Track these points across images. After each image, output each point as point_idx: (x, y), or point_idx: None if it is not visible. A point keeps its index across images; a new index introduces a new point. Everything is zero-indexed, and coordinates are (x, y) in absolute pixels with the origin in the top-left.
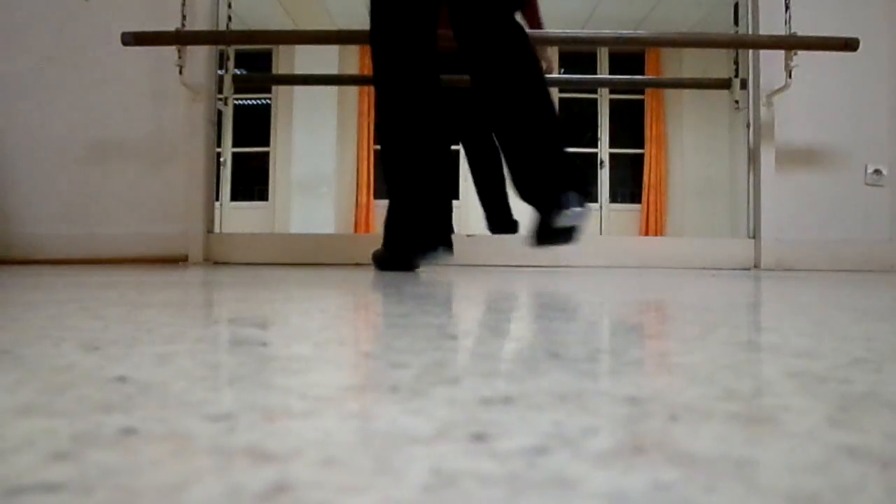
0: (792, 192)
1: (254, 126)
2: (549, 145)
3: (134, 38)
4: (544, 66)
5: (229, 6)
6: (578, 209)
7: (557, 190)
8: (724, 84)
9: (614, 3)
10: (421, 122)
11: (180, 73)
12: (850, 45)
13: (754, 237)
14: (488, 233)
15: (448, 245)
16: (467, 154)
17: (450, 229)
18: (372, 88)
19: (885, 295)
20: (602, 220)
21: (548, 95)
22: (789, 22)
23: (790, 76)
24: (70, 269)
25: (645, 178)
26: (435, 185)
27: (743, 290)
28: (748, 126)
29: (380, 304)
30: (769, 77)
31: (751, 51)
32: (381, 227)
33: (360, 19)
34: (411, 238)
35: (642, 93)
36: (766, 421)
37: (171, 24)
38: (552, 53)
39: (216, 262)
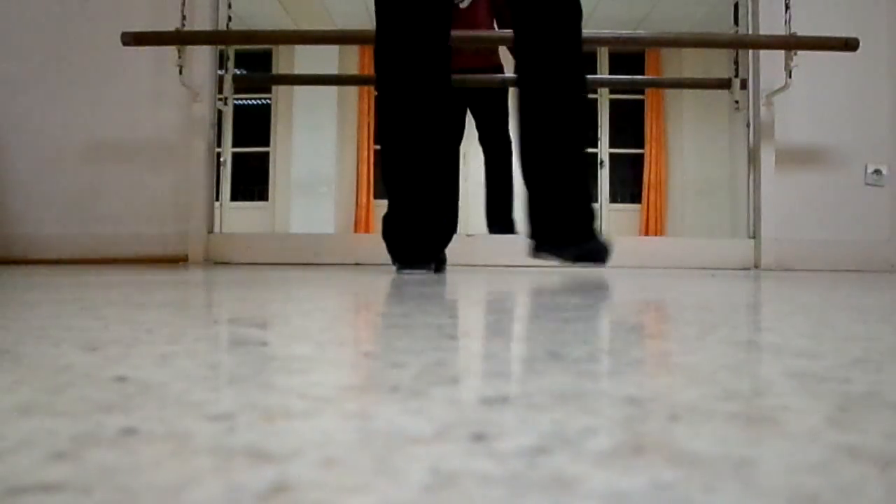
0: (792, 192)
1: (254, 126)
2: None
3: (134, 38)
4: None
5: (229, 6)
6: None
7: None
8: (724, 84)
9: (614, 3)
10: (428, 123)
11: (180, 73)
12: (850, 45)
13: (754, 237)
14: (487, 232)
15: (439, 261)
16: (483, 147)
17: (445, 241)
18: (372, 89)
19: (885, 295)
20: (602, 220)
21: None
22: (789, 22)
23: (790, 76)
24: (70, 269)
25: (645, 178)
26: (439, 189)
27: (743, 290)
28: (748, 126)
29: (380, 304)
30: (769, 77)
31: (751, 51)
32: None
33: (360, 19)
34: (405, 245)
35: (642, 93)
36: (766, 421)
37: (171, 24)
38: None
39: (216, 262)
